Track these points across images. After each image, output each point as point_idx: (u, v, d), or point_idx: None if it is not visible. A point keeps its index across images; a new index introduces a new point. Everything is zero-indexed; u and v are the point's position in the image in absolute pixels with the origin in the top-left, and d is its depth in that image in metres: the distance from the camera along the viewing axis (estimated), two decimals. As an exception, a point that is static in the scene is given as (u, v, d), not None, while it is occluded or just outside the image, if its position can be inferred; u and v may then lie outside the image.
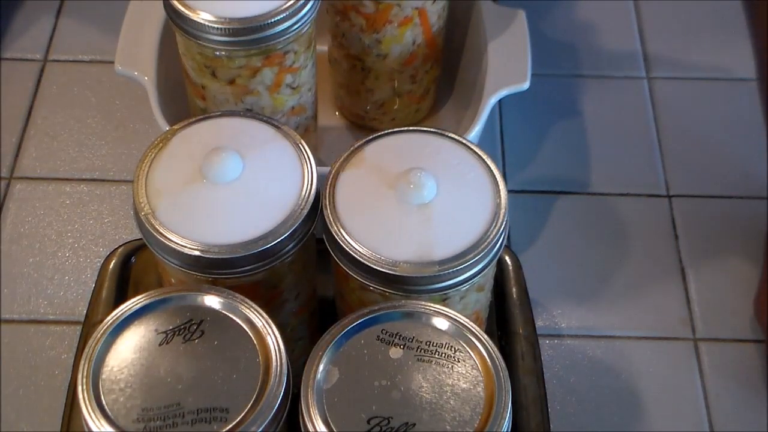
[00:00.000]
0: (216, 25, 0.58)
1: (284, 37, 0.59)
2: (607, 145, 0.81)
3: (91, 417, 0.44)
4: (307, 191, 0.53)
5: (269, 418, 0.44)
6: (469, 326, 0.47)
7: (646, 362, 0.69)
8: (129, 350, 0.46)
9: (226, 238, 0.50)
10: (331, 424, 0.44)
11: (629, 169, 0.80)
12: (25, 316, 0.70)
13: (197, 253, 0.50)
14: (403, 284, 0.50)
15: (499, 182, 0.53)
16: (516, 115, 0.82)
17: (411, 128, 0.56)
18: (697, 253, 0.75)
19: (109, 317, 0.47)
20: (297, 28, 0.60)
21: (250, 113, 0.59)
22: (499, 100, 0.70)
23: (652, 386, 0.68)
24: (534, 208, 0.77)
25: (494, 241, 0.51)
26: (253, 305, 0.48)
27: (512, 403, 0.45)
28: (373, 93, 0.75)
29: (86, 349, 0.46)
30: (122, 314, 0.47)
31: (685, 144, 0.81)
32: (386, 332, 0.47)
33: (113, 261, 0.64)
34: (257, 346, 0.46)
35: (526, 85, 0.69)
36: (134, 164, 0.54)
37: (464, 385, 0.45)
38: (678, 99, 0.84)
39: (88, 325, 0.61)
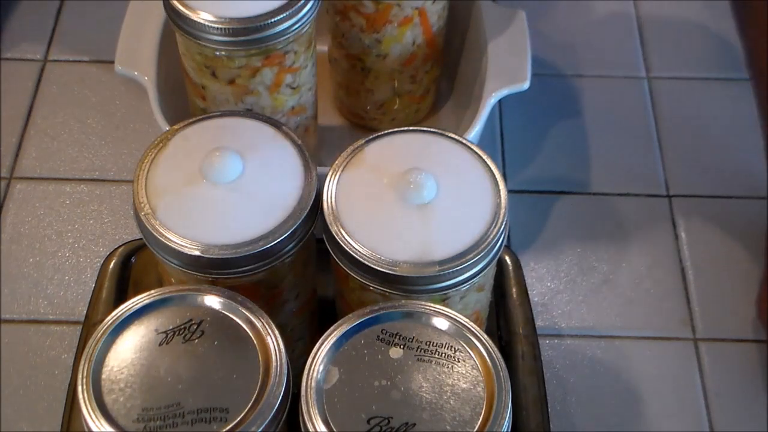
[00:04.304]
0: (216, 25, 0.58)
1: (284, 37, 0.59)
2: (607, 145, 0.81)
3: (91, 417, 0.44)
4: (307, 191, 0.53)
5: (269, 418, 0.44)
6: (469, 326, 0.47)
7: (646, 362, 0.69)
8: (129, 350, 0.46)
9: (226, 238, 0.50)
10: (331, 424, 0.44)
11: (629, 169, 0.80)
12: (25, 316, 0.70)
13: (197, 253, 0.50)
14: (403, 284, 0.50)
15: (499, 182, 0.53)
16: (516, 115, 0.82)
17: (411, 128, 0.56)
18: (697, 253, 0.75)
19: (109, 317, 0.47)
20: (297, 28, 0.60)
21: (250, 113, 0.59)
22: (499, 100, 0.70)
23: (652, 386, 0.68)
24: (534, 208, 0.77)
25: (494, 241, 0.51)
26: (253, 305, 0.48)
27: (512, 403, 0.45)
28: (373, 93, 0.75)
29: (86, 349, 0.46)
30: (122, 314, 0.47)
31: (685, 144, 0.81)
32: (386, 332, 0.47)
33: (113, 261, 0.64)
34: (257, 346, 0.46)
35: (526, 85, 0.69)
36: (134, 164, 0.54)
37: (464, 385, 0.45)
38: (678, 99, 0.84)
39: (88, 325, 0.61)
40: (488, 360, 0.46)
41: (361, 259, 0.50)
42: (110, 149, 0.80)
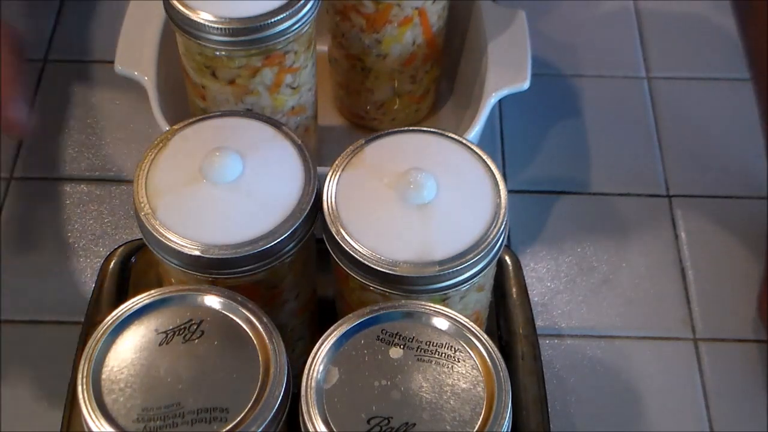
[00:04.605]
0: (216, 25, 0.58)
1: (284, 37, 0.59)
2: (607, 145, 0.81)
3: (91, 417, 0.44)
4: (307, 191, 0.53)
5: (269, 418, 0.44)
6: (469, 326, 0.47)
7: (646, 362, 0.69)
8: (129, 350, 0.46)
9: (226, 238, 0.50)
10: (331, 424, 0.44)
11: (629, 169, 0.79)
12: (25, 316, 0.70)
13: (197, 253, 0.50)
14: (403, 284, 0.50)
15: (499, 182, 0.53)
16: (516, 115, 0.82)
17: (411, 128, 0.56)
18: (697, 253, 0.75)
19: (109, 317, 0.47)
20: (297, 28, 0.60)
21: (250, 113, 0.59)
22: (499, 100, 0.70)
23: (652, 386, 0.68)
24: (534, 208, 0.77)
25: (494, 241, 0.51)
26: (253, 305, 0.48)
27: (512, 403, 0.45)
28: (373, 93, 0.75)
29: (86, 349, 0.46)
30: (122, 314, 0.47)
31: (685, 144, 0.81)
32: (386, 332, 0.47)
33: (113, 261, 0.64)
34: (257, 346, 0.46)
35: (526, 85, 0.69)
36: (134, 164, 0.54)
37: (464, 385, 0.45)
38: (678, 99, 0.84)
39: (88, 325, 0.61)
40: (488, 360, 0.46)
41: (361, 259, 0.50)
42: (110, 149, 0.80)
